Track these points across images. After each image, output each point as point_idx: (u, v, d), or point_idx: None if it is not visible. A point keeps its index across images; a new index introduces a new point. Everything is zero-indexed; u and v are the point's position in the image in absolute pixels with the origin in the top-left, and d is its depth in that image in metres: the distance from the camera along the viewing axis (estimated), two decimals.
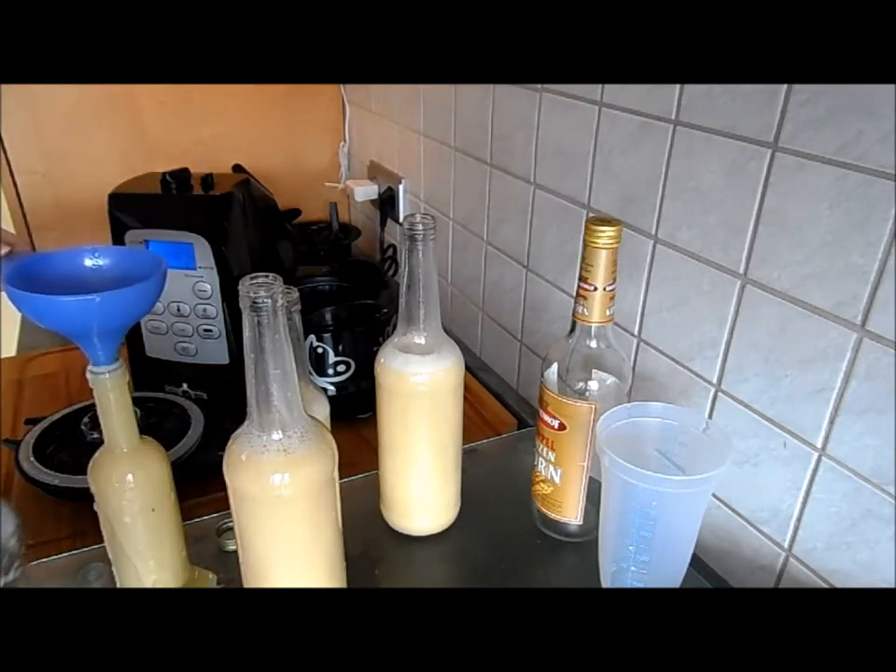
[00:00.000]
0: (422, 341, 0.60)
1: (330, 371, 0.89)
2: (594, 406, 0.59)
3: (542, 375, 0.62)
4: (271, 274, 0.44)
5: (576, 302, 0.58)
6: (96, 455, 0.52)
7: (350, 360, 0.89)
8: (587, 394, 0.60)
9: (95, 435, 0.78)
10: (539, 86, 0.80)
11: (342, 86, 1.43)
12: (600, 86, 0.70)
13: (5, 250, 0.51)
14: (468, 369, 0.65)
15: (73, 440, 0.80)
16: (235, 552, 0.52)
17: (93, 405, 0.50)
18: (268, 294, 0.43)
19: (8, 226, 1.25)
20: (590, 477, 0.63)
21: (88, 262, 0.50)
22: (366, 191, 1.32)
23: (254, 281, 0.43)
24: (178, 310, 0.86)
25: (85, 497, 0.55)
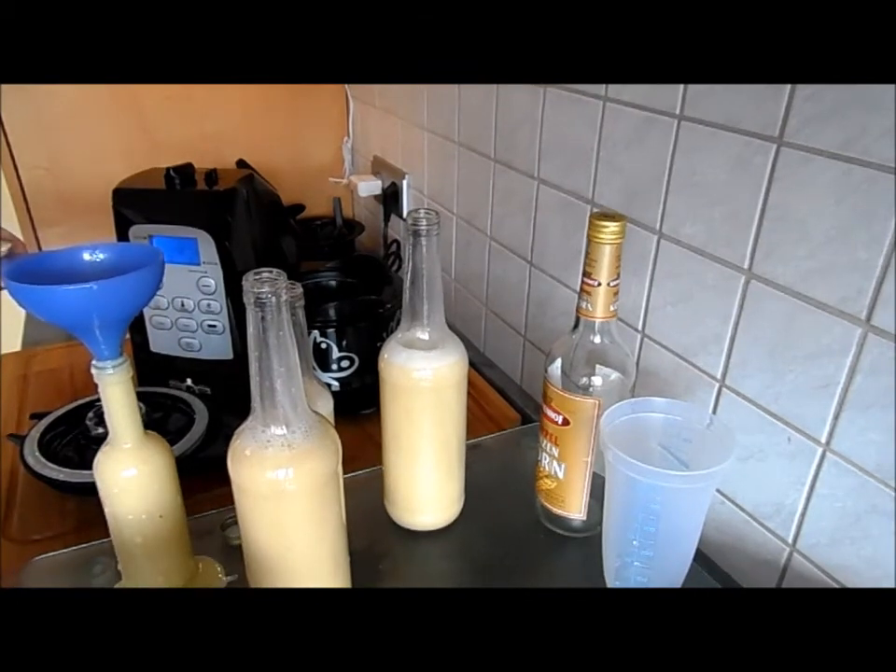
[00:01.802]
0: (425, 336, 0.60)
1: (334, 367, 0.89)
2: (597, 401, 0.59)
3: (546, 371, 0.62)
4: (275, 270, 0.44)
5: (580, 298, 0.58)
6: (101, 450, 0.52)
7: (354, 356, 0.89)
8: (591, 389, 0.60)
9: (100, 430, 0.79)
10: None
11: None
12: None
13: (5, 247, 0.51)
14: (471, 364, 0.65)
15: (77, 434, 0.81)
16: (240, 546, 0.52)
17: (98, 400, 0.50)
18: (272, 290, 0.43)
19: (12, 221, 1.25)
20: (593, 472, 0.63)
21: (87, 257, 0.51)
22: (369, 187, 1.32)
23: (258, 276, 0.43)
24: (182, 305, 0.86)
25: (90, 492, 0.55)
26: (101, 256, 0.51)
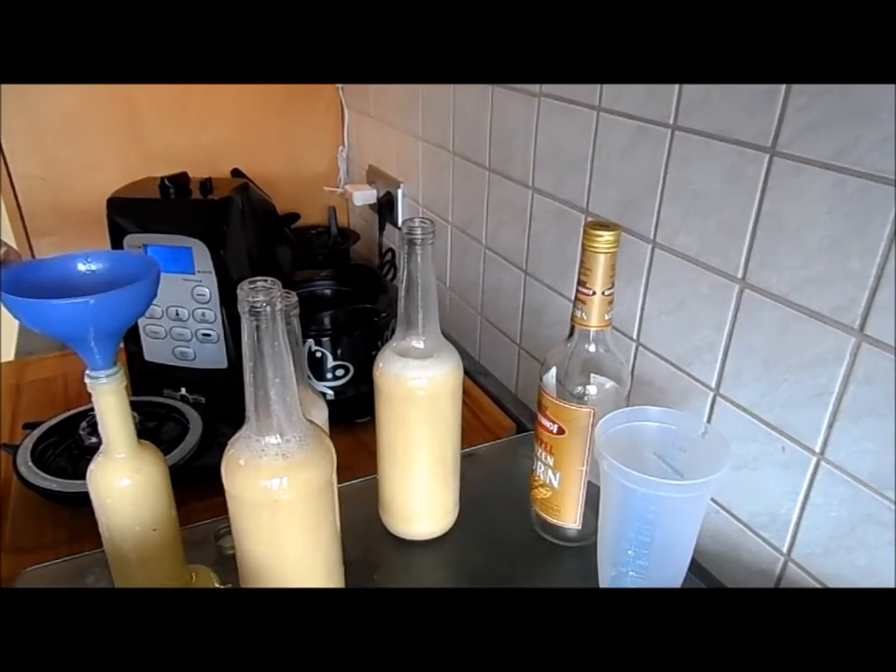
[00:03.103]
0: (420, 345, 0.60)
1: (329, 376, 0.89)
2: (592, 410, 0.59)
3: (541, 379, 0.62)
4: (269, 279, 0.44)
5: (574, 307, 0.58)
6: (94, 459, 0.52)
7: (349, 364, 0.89)
8: (586, 398, 0.60)
9: (93, 439, 0.78)
10: (538, 90, 0.80)
11: (340, 90, 1.43)
12: (598, 91, 0.70)
13: (2, 250, 0.51)
14: (466, 373, 0.65)
15: (71, 444, 0.80)
16: (234, 555, 0.52)
17: (91, 409, 0.50)
18: (267, 298, 0.43)
19: (7, 231, 1.25)
20: (588, 481, 0.63)
21: (81, 267, 0.50)
22: (364, 196, 1.33)
23: (253, 285, 0.43)
24: (177, 314, 0.86)
25: (83, 502, 0.55)
26: (95, 265, 0.51)
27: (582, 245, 0.55)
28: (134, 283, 0.47)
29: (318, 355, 0.87)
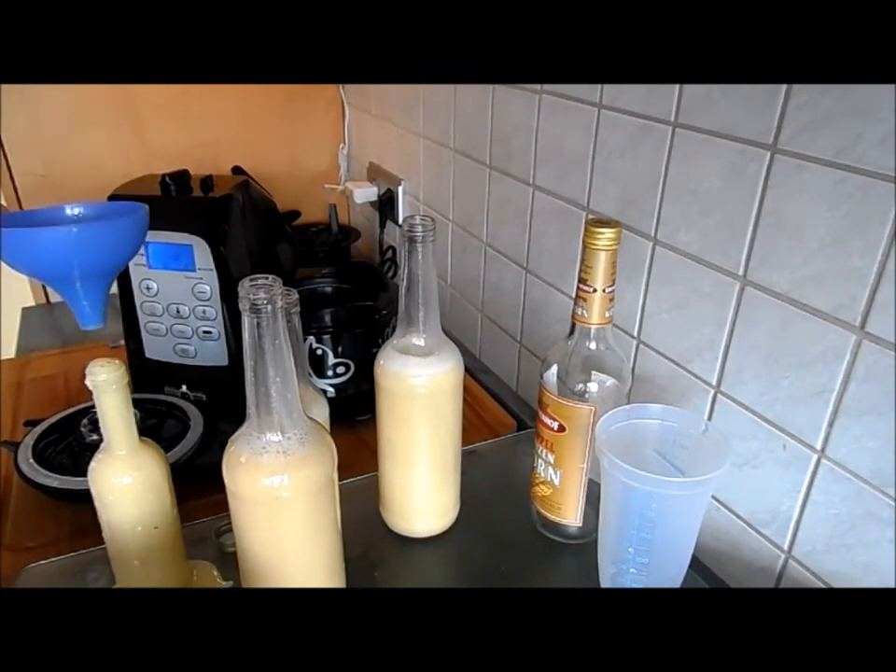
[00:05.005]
0: (421, 342, 0.60)
1: (330, 373, 0.89)
2: (593, 408, 0.59)
3: (542, 377, 0.62)
4: (270, 276, 0.44)
5: (575, 304, 0.58)
6: (95, 457, 0.52)
7: (349, 362, 0.89)
8: (586, 396, 0.60)
9: (94, 437, 0.78)
10: (539, 88, 0.80)
11: (341, 88, 1.43)
12: (599, 88, 0.70)
13: None
14: (467, 370, 0.65)
15: (72, 441, 0.80)
16: (235, 553, 0.52)
17: (92, 407, 0.50)
18: (267, 296, 0.43)
19: None
20: (589, 479, 0.63)
21: (69, 213, 0.51)
22: (365, 193, 1.33)
23: (253, 283, 0.43)
24: (178, 312, 0.86)
25: (84, 499, 0.55)
26: (83, 211, 0.51)
27: (583, 242, 0.55)
28: (119, 218, 0.46)
29: (319, 352, 0.88)
